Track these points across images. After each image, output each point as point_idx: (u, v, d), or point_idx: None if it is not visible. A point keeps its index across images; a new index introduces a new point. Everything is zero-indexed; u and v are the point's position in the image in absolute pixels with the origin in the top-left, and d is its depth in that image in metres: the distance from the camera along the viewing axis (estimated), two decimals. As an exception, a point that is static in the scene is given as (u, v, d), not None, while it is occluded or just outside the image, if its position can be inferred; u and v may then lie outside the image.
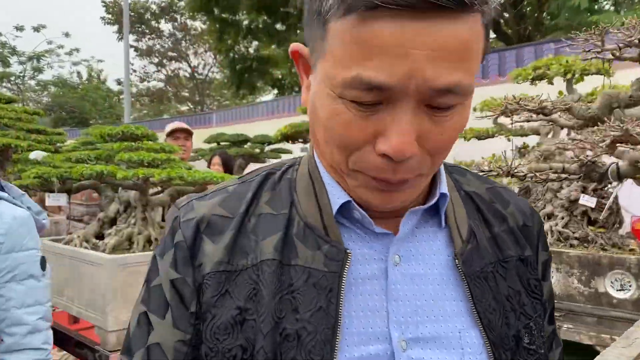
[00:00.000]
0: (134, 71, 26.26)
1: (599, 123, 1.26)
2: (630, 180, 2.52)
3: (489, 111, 3.45)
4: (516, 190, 3.80)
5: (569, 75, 3.95)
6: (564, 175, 1.04)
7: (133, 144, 2.80)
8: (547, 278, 0.78)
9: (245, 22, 15.20)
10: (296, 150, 7.20)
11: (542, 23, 12.08)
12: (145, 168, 2.58)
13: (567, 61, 4.00)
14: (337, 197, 0.65)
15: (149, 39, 25.29)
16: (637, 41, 1.17)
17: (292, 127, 5.86)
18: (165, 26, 25.62)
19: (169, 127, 3.92)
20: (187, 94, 28.28)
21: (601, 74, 4.00)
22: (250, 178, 0.73)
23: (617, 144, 1.02)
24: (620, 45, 1.20)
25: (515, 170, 1.09)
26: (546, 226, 4.20)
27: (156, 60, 26.08)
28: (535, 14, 11.59)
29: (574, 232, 4.06)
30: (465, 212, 0.72)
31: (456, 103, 0.55)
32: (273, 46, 16.56)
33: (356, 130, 0.55)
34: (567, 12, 7.04)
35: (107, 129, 2.88)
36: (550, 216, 4.20)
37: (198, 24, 23.99)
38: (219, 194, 0.71)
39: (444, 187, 0.67)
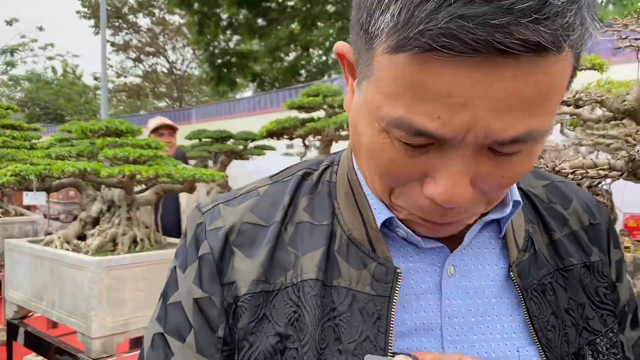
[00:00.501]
0: (111, 66, 25.77)
1: (634, 116, 1.18)
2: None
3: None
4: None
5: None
6: (603, 173, 0.97)
7: (117, 139, 2.66)
8: (622, 279, 0.69)
9: (225, 16, 15.02)
10: (281, 146, 7.09)
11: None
12: (131, 165, 2.44)
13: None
14: (378, 211, 0.56)
15: (126, 33, 24.83)
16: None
17: (277, 123, 5.74)
18: (143, 21, 25.19)
19: (153, 123, 3.78)
20: (164, 90, 27.87)
21: (595, 69, 3.95)
22: (284, 178, 0.64)
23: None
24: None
25: (560, 167, 1.01)
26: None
27: (133, 55, 25.62)
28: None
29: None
30: (523, 216, 0.62)
31: (525, 149, 0.45)
32: (254, 41, 16.42)
33: (402, 168, 0.47)
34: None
35: (90, 123, 2.72)
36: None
37: (177, 19, 23.66)
38: (250, 196, 0.61)
39: (516, 193, 0.57)
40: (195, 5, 12.68)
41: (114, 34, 24.31)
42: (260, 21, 15.39)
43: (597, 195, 3.94)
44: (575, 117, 1.54)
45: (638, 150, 0.91)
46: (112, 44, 24.53)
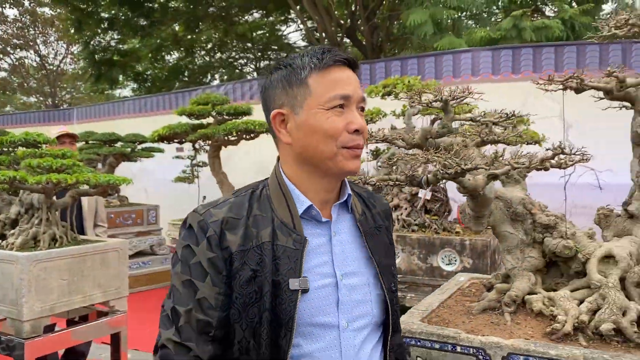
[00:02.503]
0: (-29, 58, 23.68)
1: (422, 148, 1.97)
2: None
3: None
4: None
5: (410, 93, 4.84)
6: (395, 183, 1.68)
7: (36, 150, 3.05)
8: (392, 242, 1.41)
9: (106, 14, 14.72)
10: (171, 150, 7.42)
11: (393, 34, 13.46)
12: (56, 173, 2.86)
13: (409, 81, 4.89)
14: (302, 202, 1.18)
15: (-10, 23, 22.98)
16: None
17: (169, 128, 6.15)
18: (10, 11, 23.48)
19: (56, 132, 4.10)
20: (34, 85, 26.18)
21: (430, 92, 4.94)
22: (242, 193, 1.22)
23: (427, 163, 1.68)
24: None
25: (369, 180, 1.71)
26: (393, 216, 5.07)
27: (-1, 47, 23.76)
28: (387, 25, 12.89)
29: (414, 220, 5.00)
30: (358, 202, 1.31)
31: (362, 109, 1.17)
32: (135, 40, 16.21)
33: (339, 122, 1.12)
34: (417, 33, 8.15)
35: (9, 136, 3.08)
36: (397, 207, 5.10)
37: (48, 10, 22.39)
38: (226, 204, 1.18)
39: (349, 190, 1.25)
40: (74, 3, 12.34)
41: (-25, 23, 22.44)
42: (142, 21, 15.25)
43: (437, 192, 4.93)
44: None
45: (413, 167, 1.63)
46: (-27, 34, 22.62)
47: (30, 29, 23.92)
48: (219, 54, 19.16)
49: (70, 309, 2.97)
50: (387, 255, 1.27)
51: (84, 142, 7.97)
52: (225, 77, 20.12)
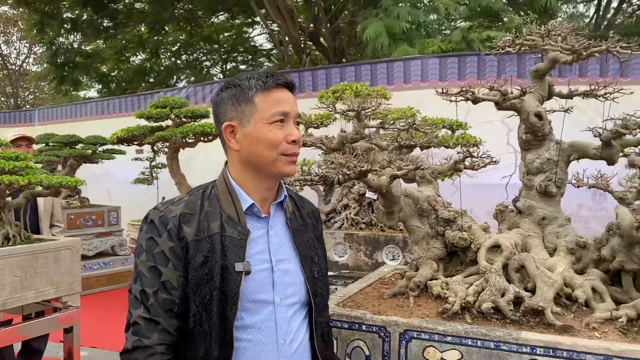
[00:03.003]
0: None
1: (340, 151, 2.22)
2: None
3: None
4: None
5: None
6: (310, 182, 1.91)
7: (-10, 153, 3.19)
8: (322, 239, 1.65)
9: (69, 15, 14.64)
10: (131, 152, 7.53)
11: (355, 38, 13.77)
12: (8, 175, 3.02)
13: (356, 87, 5.16)
14: (245, 200, 1.44)
15: (-52, 22, 22.48)
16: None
17: (128, 130, 6.27)
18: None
19: (13, 135, 4.23)
20: (-4, 85, 25.71)
21: (384, 97, 5.24)
22: (194, 193, 1.48)
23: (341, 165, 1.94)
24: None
25: (287, 180, 1.94)
26: (342, 214, 5.34)
27: (-43, 46, 23.25)
28: (349, 30, 13.20)
29: (362, 218, 5.27)
30: (290, 203, 1.56)
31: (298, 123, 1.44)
32: (100, 42, 16.14)
33: (279, 134, 1.38)
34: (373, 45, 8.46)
35: (-37, 139, 3.21)
36: (346, 206, 5.36)
37: (8, 10, 22.02)
38: (182, 202, 1.44)
39: (285, 192, 1.51)
40: (36, 5, 12.26)
41: None
42: (106, 22, 15.20)
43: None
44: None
45: (327, 169, 1.88)
46: None
47: (-9, 28, 23.51)
48: (184, 56, 19.17)
49: (23, 304, 3.13)
50: (310, 248, 1.54)
51: (44, 144, 8.02)
52: (192, 78, 20.17)
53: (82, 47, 15.71)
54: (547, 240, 2.15)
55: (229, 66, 20.68)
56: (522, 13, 8.48)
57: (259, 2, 12.34)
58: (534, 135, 2.14)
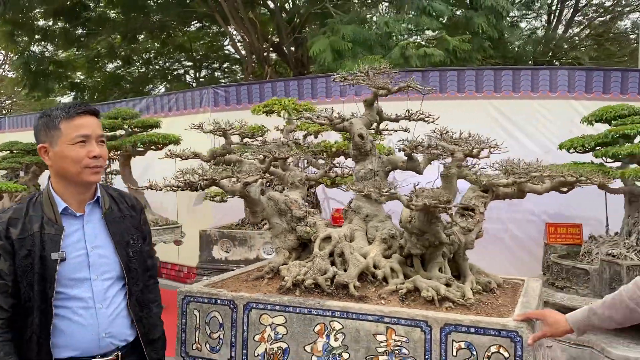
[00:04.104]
0: None
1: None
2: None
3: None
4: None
5: (285, 113, 5.70)
6: (178, 188, 2.49)
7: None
8: (146, 224, 2.22)
9: (41, 24, 15.04)
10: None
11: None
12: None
13: (285, 102, 5.74)
14: (60, 204, 1.99)
15: None
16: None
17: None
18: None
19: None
20: (-29, 91, 25.91)
21: (311, 110, 5.82)
22: (23, 202, 2.02)
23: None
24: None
25: (155, 186, 2.51)
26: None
27: None
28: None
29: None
30: (108, 199, 2.11)
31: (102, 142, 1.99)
32: (72, 50, 16.53)
33: (82, 152, 1.92)
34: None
35: None
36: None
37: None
38: (11, 210, 1.99)
39: (99, 193, 2.07)
40: (7, 15, 12.66)
41: None
42: (79, 31, 15.61)
43: (307, 195, 5.75)
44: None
45: (193, 176, 2.44)
46: None
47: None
48: (158, 64, 19.62)
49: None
50: (125, 234, 2.10)
51: (8, 152, 8.47)
52: (168, 85, 20.62)
53: (55, 56, 16.10)
54: (369, 232, 2.74)
55: (203, 73, 21.19)
56: (462, 38, 9.12)
57: (223, 15, 12.89)
58: (359, 151, 2.74)
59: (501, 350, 2.06)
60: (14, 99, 26.22)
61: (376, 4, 12.24)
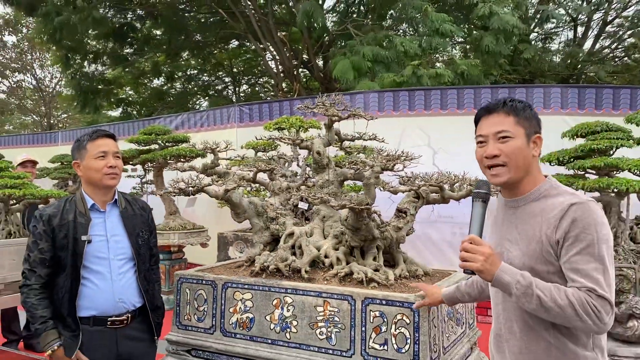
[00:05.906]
0: (-27, 82, 25.45)
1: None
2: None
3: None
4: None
5: (293, 130, 6.43)
6: (174, 193, 3.23)
7: (-1, 173, 4.62)
8: (153, 222, 2.99)
9: (93, 47, 16.41)
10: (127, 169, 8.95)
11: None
12: (8, 189, 4.43)
13: (292, 120, 6.48)
14: (89, 202, 2.79)
15: (-10, 50, 24.80)
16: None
17: (126, 152, 7.76)
18: (10, 37, 25.35)
19: (21, 159, 5.69)
20: (30, 106, 28.00)
21: (315, 127, 6.53)
22: (61, 200, 2.82)
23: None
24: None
25: (154, 191, 3.20)
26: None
27: (-2, 71, 25.54)
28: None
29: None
30: (124, 201, 2.89)
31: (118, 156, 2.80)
32: (119, 69, 17.87)
33: (102, 163, 2.71)
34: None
35: (-19, 164, 4.65)
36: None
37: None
38: (53, 206, 2.79)
39: (116, 196, 2.85)
40: (62, 42, 13.98)
41: (-24, 50, 24.23)
42: (126, 50, 16.92)
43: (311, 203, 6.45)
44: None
45: (186, 184, 3.15)
46: (-25, 60, 24.39)
47: (28, 54, 25.77)
48: (200, 80, 20.85)
49: (18, 280, 4.52)
50: (136, 228, 2.84)
51: (59, 163, 9.54)
52: (208, 99, 21.83)
53: (103, 74, 17.45)
54: (325, 230, 3.41)
55: (243, 88, 22.30)
56: (470, 55, 9.63)
57: (256, 34, 13.81)
58: (318, 165, 3.42)
59: (404, 318, 2.70)
60: (70, 113, 28.15)
61: (395, 26, 12.90)
